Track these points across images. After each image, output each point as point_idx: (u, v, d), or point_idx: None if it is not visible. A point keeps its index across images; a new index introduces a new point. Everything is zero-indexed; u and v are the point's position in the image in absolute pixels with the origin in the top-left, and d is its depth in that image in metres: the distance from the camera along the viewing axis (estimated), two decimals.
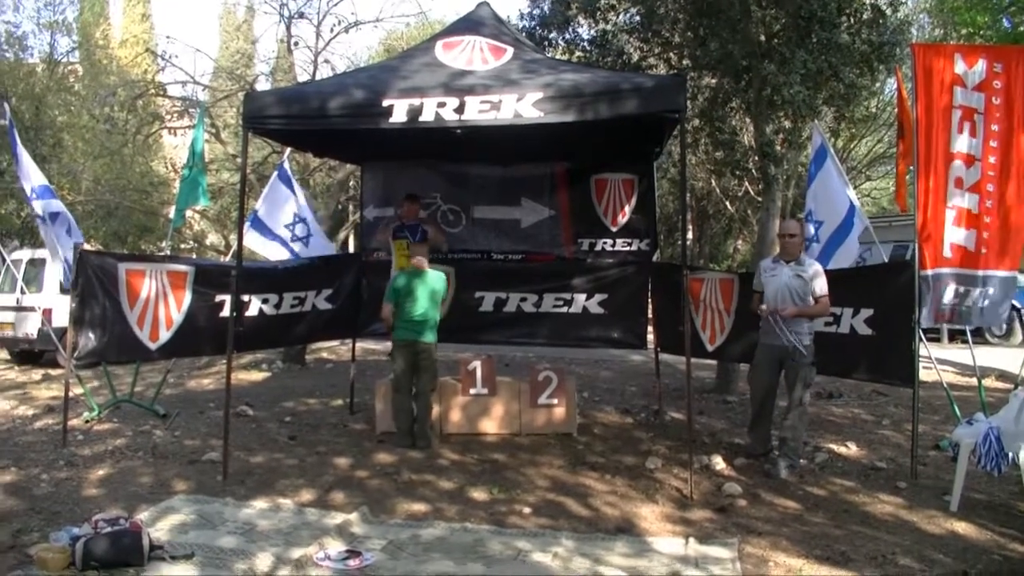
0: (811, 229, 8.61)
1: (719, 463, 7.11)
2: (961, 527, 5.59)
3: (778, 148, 10.44)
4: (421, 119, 6.18)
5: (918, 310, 6.58)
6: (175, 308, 7.91)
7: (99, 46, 24.55)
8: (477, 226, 9.75)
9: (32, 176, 9.23)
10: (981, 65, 6.77)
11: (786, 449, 6.90)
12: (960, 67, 6.75)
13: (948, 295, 6.82)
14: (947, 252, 6.80)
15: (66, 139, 18.53)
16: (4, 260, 13.43)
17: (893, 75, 13.22)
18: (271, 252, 10.31)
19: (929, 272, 6.73)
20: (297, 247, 10.49)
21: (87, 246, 10.47)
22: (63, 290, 12.41)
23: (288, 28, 15.72)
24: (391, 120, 6.22)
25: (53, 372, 12.64)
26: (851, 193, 8.44)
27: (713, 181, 20.34)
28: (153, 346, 7.91)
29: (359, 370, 10.11)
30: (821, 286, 6.75)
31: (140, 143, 17.28)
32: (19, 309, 13.34)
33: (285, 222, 10.47)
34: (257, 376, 12.77)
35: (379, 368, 11.00)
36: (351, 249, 19.11)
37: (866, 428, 8.83)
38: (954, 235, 6.80)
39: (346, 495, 6.28)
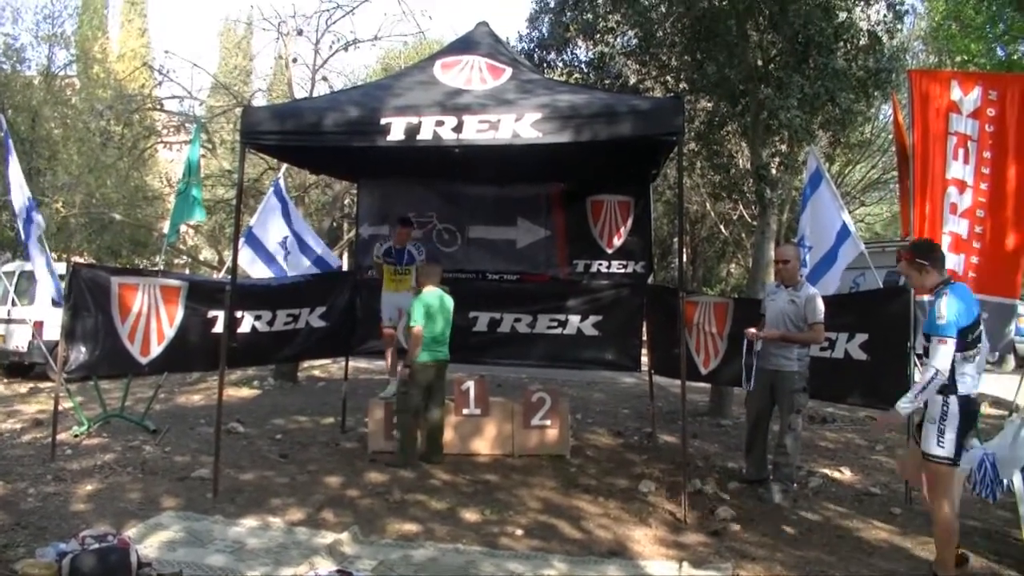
0: (802, 253, 8.62)
1: (712, 487, 7.09)
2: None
3: (774, 172, 10.48)
4: (419, 138, 6.18)
5: (913, 335, 6.58)
6: (167, 323, 7.89)
7: (97, 60, 24.60)
8: (472, 246, 9.75)
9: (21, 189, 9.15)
10: (976, 92, 6.83)
11: (779, 474, 6.89)
12: (956, 94, 6.81)
13: None
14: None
15: (62, 152, 18.53)
16: None
17: (889, 101, 13.31)
18: (257, 270, 10.27)
19: (926, 298, 6.73)
20: (286, 264, 10.47)
21: (77, 259, 10.43)
22: (55, 303, 12.38)
23: (286, 45, 15.77)
24: (389, 138, 6.22)
25: (41, 385, 12.56)
26: (847, 217, 8.43)
27: (708, 204, 20.40)
28: (144, 361, 7.89)
29: (351, 388, 10.07)
30: (813, 312, 6.73)
31: (136, 157, 17.27)
32: (9, 321, 13.27)
33: (277, 239, 10.46)
34: (248, 393, 12.71)
35: (371, 387, 10.96)
36: (345, 267, 19.10)
37: (860, 453, 8.83)
38: (950, 261, 6.81)
39: (337, 514, 6.23)
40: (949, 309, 4.77)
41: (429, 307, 7.80)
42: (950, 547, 5.01)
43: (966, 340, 4.82)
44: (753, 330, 6.94)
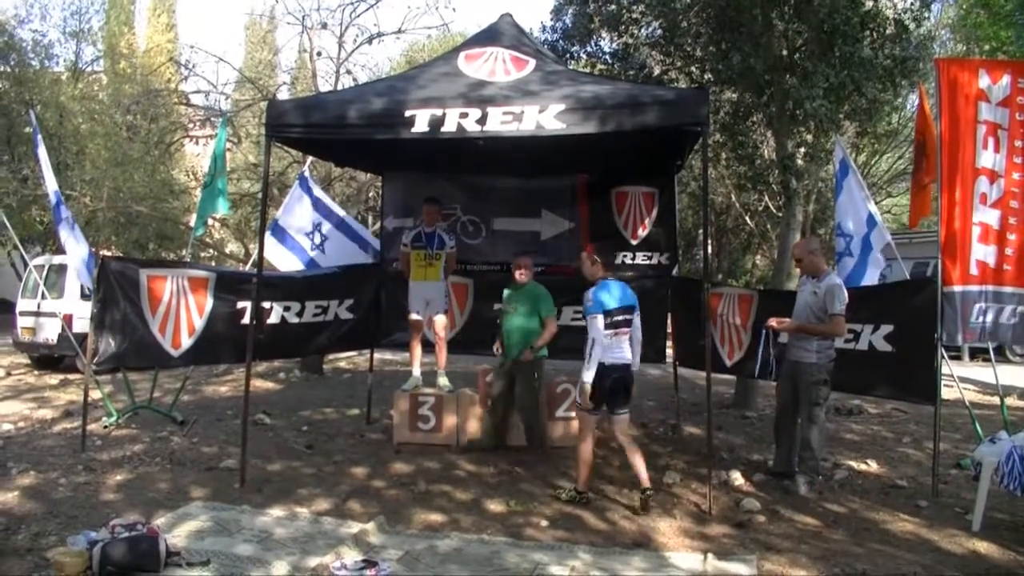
0: (842, 243, 8.55)
1: (738, 479, 7.07)
2: (983, 547, 5.53)
3: (799, 162, 10.41)
4: (443, 130, 6.19)
5: (940, 327, 6.52)
6: (197, 314, 7.95)
7: (123, 55, 24.78)
8: (496, 238, 9.75)
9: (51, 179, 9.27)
10: (1006, 80, 6.73)
11: (804, 466, 6.85)
12: (984, 82, 6.72)
13: (976, 313, 6.76)
14: (973, 269, 6.76)
15: (89, 147, 18.68)
16: (26, 265, 13.52)
17: (915, 90, 13.17)
18: (283, 261, 10.30)
19: (956, 289, 6.68)
20: (315, 254, 10.49)
21: (105, 253, 10.52)
22: (84, 295, 12.52)
23: (310, 38, 15.84)
24: (413, 130, 6.23)
25: (71, 377, 12.71)
26: (873, 208, 8.37)
27: (733, 195, 20.29)
28: (175, 353, 7.95)
29: (376, 380, 10.11)
30: (832, 304, 6.60)
31: (162, 151, 17.40)
32: (40, 314, 13.43)
33: (304, 229, 10.48)
34: (274, 385, 12.80)
35: (396, 379, 10.99)
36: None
37: (886, 446, 8.76)
38: (979, 252, 6.76)
39: (363, 505, 6.28)
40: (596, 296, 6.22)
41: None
42: None
43: (615, 319, 6.23)
44: (774, 322, 6.90)
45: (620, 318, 6.33)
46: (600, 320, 6.15)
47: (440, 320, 8.64)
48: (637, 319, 6.54)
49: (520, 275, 7.88)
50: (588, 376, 6.15)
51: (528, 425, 8.07)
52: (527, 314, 7.87)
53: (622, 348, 6.36)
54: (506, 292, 8.11)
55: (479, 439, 8.19)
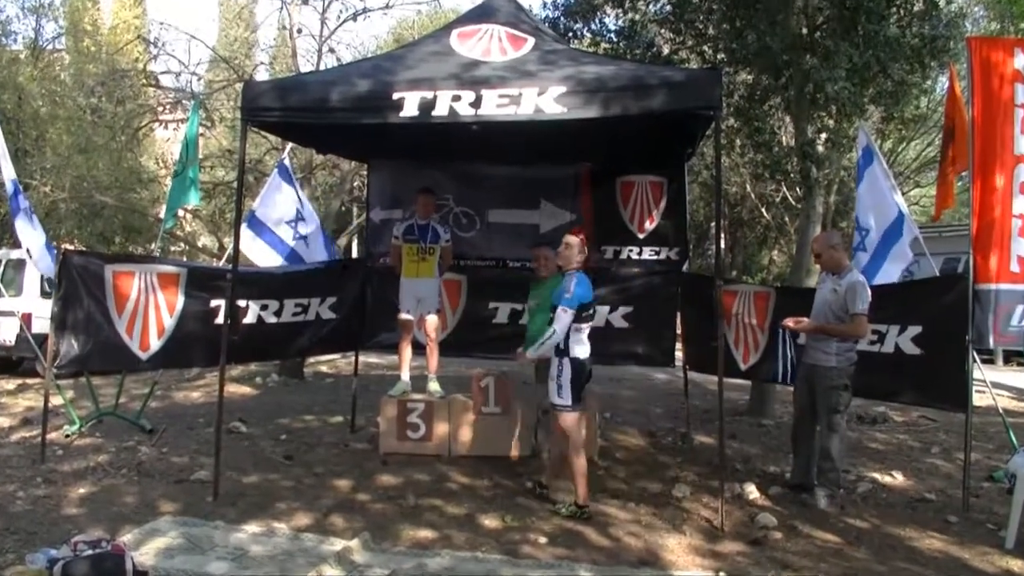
0: (857, 237, 8.56)
1: (752, 492, 7.08)
2: (1017, 565, 5.54)
3: (820, 149, 10.41)
4: (434, 114, 6.18)
5: (971, 328, 6.51)
6: (167, 313, 7.94)
7: (87, 32, 24.71)
8: (492, 231, 9.76)
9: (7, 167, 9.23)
10: None
11: (824, 478, 6.85)
12: (1021, 62, 6.68)
13: (1018, 315, 6.62)
14: (1014, 266, 6.62)
15: (50, 132, 18.64)
16: None
17: (945, 72, 13.17)
18: (260, 255, 10.29)
19: (990, 287, 6.62)
20: (297, 246, 10.48)
21: (67, 246, 10.50)
22: (44, 293, 12.50)
23: (290, 14, 15.82)
24: (401, 114, 6.22)
25: (30, 381, 12.70)
26: (899, 199, 8.37)
27: (748, 185, 20.32)
28: (143, 355, 7.94)
29: (361, 385, 10.11)
30: (854, 303, 6.58)
31: (129, 137, 17.36)
32: None
33: (286, 219, 10.47)
34: (251, 390, 12.80)
35: (382, 384, 10.99)
36: (355, 254, 19.16)
37: (913, 456, 8.78)
38: (1021, 247, 6.63)
39: (346, 520, 6.27)
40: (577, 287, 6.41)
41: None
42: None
43: (581, 314, 6.41)
44: (791, 321, 6.91)
45: (591, 311, 6.62)
46: (571, 316, 6.36)
47: (432, 320, 8.63)
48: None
49: (538, 267, 7.83)
50: (533, 353, 6.61)
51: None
52: (548, 311, 7.84)
53: (587, 341, 6.59)
54: (530, 287, 8.11)
55: (536, 444, 8.25)
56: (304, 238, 10.44)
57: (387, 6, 16.75)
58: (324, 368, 15.59)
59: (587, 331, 6.56)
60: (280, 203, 10.46)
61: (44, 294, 12.60)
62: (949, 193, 7.95)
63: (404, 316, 8.60)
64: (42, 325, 10.71)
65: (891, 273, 8.21)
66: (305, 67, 15.63)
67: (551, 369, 6.58)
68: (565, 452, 6.65)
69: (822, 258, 6.97)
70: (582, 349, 6.51)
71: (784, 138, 13.65)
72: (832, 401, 6.74)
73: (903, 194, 13.09)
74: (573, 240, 6.71)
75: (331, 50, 16.24)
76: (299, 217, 10.47)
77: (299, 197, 10.64)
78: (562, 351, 6.47)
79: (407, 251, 8.60)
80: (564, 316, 6.35)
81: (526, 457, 8.22)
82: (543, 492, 6.81)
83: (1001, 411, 8.24)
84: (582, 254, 6.66)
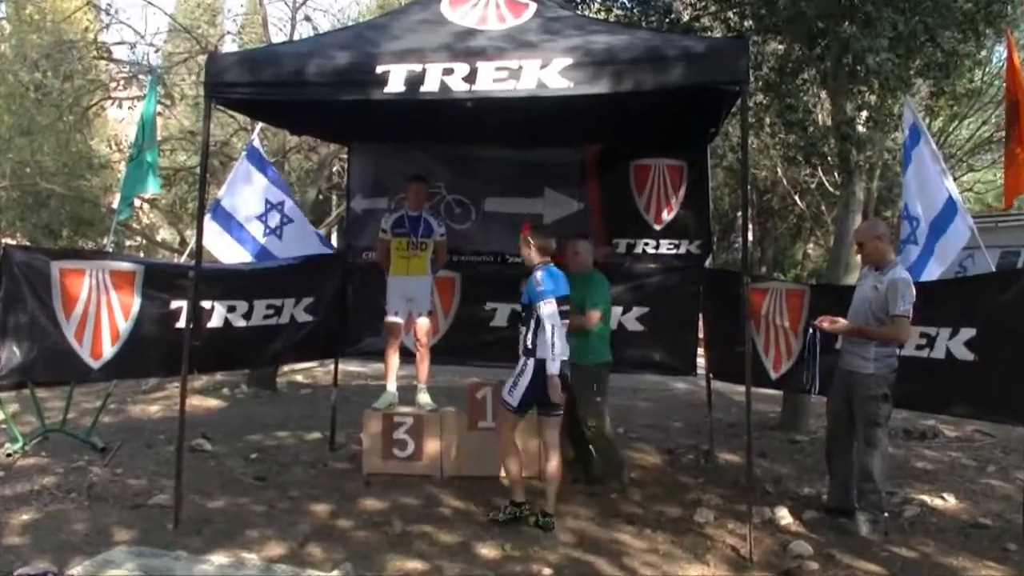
0: (907, 228, 8.54)
1: (784, 517, 7.09)
2: None
3: (861, 129, 10.41)
4: (423, 89, 6.19)
5: None
6: (121, 316, 7.94)
7: None
8: (489, 222, 9.76)
9: None
10: None
11: (865, 501, 6.84)
12: None
13: None
14: None
15: None
16: None
17: (1003, 40, 13.17)
18: (227, 251, 10.29)
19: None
20: (269, 242, 10.48)
21: (8, 241, 10.50)
22: None
23: None
24: (386, 90, 6.23)
25: None
26: (950, 185, 8.36)
27: (779, 170, 20.30)
28: (95, 364, 7.94)
29: (341, 397, 10.12)
30: (896, 303, 6.56)
31: (78, 116, 17.35)
32: None
33: (256, 212, 10.47)
34: (217, 403, 12.80)
35: (366, 395, 11.00)
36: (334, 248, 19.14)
37: (967, 476, 8.78)
38: None
39: (325, 549, 6.28)
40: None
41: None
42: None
43: (561, 309, 6.74)
44: (825, 322, 6.89)
45: (564, 308, 6.89)
46: (554, 304, 6.66)
47: (423, 324, 8.64)
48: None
49: (569, 261, 7.94)
50: (556, 367, 6.66)
51: (592, 452, 8.11)
52: (581, 309, 7.87)
53: (562, 341, 6.78)
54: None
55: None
56: (276, 231, 10.44)
57: None
58: (300, 378, 15.60)
59: (562, 332, 6.76)
60: (248, 194, 10.46)
61: None
62: (1022, 176, 7.92)
63: (392, 319, 8.60)
64: None
65: (935, 271, 8.20)
66: (277, 37, 15.66)
67: (517, 366, 6.97)
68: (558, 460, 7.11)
69: (865, 249, 6.95)
70: (555, 366, 6.69)
71: (820, 116, 13.64)
72: (870, 412, 6.73)
73: (955, 179, 13.08)
74: (528, 239, 7.06)
75: (307, 18, 16.34)
76: (269, 207, 10.47)
77: (272, 183, 10.64)
78: (529, 350, 6.85)
79: (396, 246, 8.61)
80: (547, 307, 6.63)
81: (530, 478, 8.23)
82: (547, 521, 6.88)
83: None
84: (541, 252, 7.00)
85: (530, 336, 6.84)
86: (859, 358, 6.78)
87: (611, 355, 8.08)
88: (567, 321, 6.94)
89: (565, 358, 6.76)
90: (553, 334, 6.59)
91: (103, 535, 6.47)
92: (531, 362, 6.82)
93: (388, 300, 8.62)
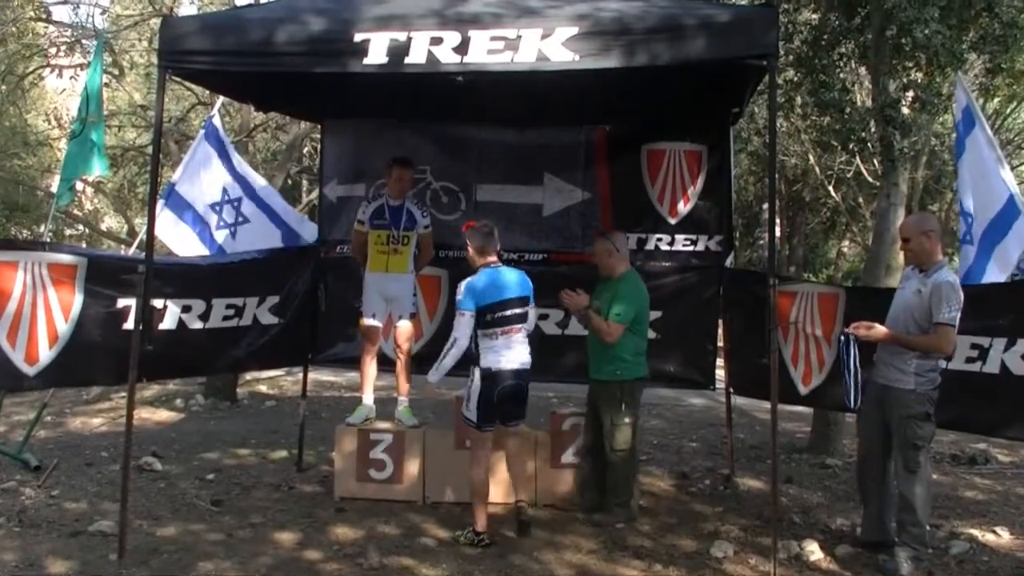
0: (962, 225, 8.53)
1: (814, 552, 7.08)
2: None
3: (905, 111, 10.42)
4: (408, 61, 6.19)
5: None
6: (60, 317, 7.91)
7: None
8: (481, 212, 9.70)
9: None
10: None
11: (906, 535, 6.81)
12: None
13: None
14: None
15: None
16: None
17: None
18: (183, 243, 10.28)
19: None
20: (221, 237, 10.47)
21: None
22: None
23: None
24: (366, 61, 6.23)
25: None
26: (1008, 177, 8.37)
27: (812, 157, 20.32)
28: (31, 370, 7.89)
29: (311, 410, 10.14)
30: (940, 309, 6.45)
31: (11, 87, 17.33)
32: None
33: (211, 200, 10.47)
34: (169, 415, 12.81)
35: (338, 409, 11.01)
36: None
37: (1023, 508, 8.79)
38: None
39: None
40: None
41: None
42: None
43: (485, 318, 7.16)
44: (862, 328, 6.82)
45: (511, 313, 7.26)
46: (468, 318, 7.13)
47: (405, 328, 8.65)
48: (532, 313, 7.59)
49: (599, 262, 8.10)
50: (435, 377, 7.28)
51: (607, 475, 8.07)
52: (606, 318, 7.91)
53: (512, 348, 7.26)
54: (594, 289, 8.18)
55: (568, 497, 8.28)
56: (233, 227, 10.44)
57: None
58: (264, 388, 15.61)
59: (512, 336, 7.27)
60: (205, 179, 10.46)
61: None
62: None
63: (369, 322, 8.60)
64: None
65: (996, 273, 8.20)
66: (242, 0, 15.62)
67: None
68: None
69: (910, 244, 6.83)
70: (495, 358, 7.19)
71: (859, 96, 13.66)
72: (910, 434, 6.65)
73: (1012, 169, 13.10)
74: (465, 240, 7.51)
75: None
76: (227, 200, 10.46)
77: (231, 171, 10.62)
78: (473, 359, 7.25)
79: (374, 239, 8.60)
80: (460, 319, 7.14)
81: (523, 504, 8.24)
82: (524, 518, 7.45)
83: None
84: (480, 253, 7.41)
85: (473, 344, 7.19)
86: (896, 371, 6.71)
87: (646, 370, 8.09)
88: (522, 326, 7.37)
89: (517, 365, 7.25)
90: (452, 347, 7.11)
91: (35, 566, 6.46)
92: (476, 371, 7.25)
93: (364, 300, 8.62)
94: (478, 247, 7.38)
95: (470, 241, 7.42)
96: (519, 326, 7.31)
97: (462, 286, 7.20)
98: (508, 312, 7.22)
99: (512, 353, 7.22)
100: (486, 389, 7.17)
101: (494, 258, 7.40)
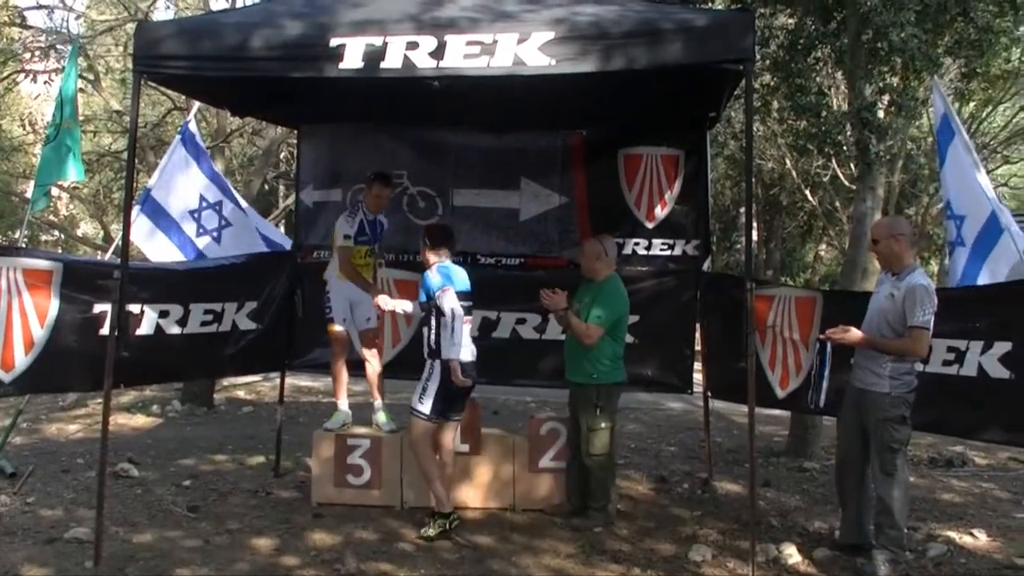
0: (952, 228, 8.56)
1: (792, 555, 7.10)
2: None
3: (882, 115, 10.46)
4: (384, 66, 6.19)
5: None
6: (36, 322, 7.86)
7: None
8: (458, 217, 9.73)
9: None
10: None
11: (884, 538, 6.84)
12: None
13: None
14: None
15: None
16: None
17: None
18: (159, 250, 10.25)
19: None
20: (203, 243, 10.45)
21: None
22: None
23: None
24: (342, 66, 6.23)
25: None
26: (984, 181, 8.40)
27: (788, 161, 20.40)
28: (7, 377, 7.85)
29: (288, 416, 10.12)
30: (914, 312, 6.49)
31: None
32: None
33: (189, 207, 10.44)
34: (145, 421, 12.76)
35: (315, 414, 10.99)
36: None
37: (1000, 510, 8.83)
38: None
39: None
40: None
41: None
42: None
43: (463, 305, 7.30)
44: (838, 332, 6.84)
45: (466, 304, 7.50)
46: (452, 292, 7.24)
47: (373, 331, 8.75)
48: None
49: (585, 264, 8.15)
50: (456, 352, 7.23)
51: (587, 479, 8.07)
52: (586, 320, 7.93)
53: (466, 337, 7.46)
54: (576, 290, 8.21)
55: (557, 504, 8.25)
56: (216, 232, 10.41)
57: None
58: (241, 393, 15.56)
59: (466, 330, 7.43)
60: (182, 184, 10.44)
61: None
62: None
63: (337, 328, 8.62)
64: None
65: (995, 273, 8.19)
66: (217, 4, 15.60)
67: (424, 371, 7.50)
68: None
69: (879, 247, 6.88)
70: (457, 351, 7.24)
71: (835, 100, 13.71)
72: (886, 437, 6.69)
73: (988, 172, 13.14)
74: (423, 239, 7.72)
75: None
76: (205, 206, 10.44)
77: (210, 175, 10.61)
78: (433, 351, 7.39)
79: (356, 254, 8.67)
80: (445, 294, 7.21)
81: (502, 509, 8.24)
82: (445, 525, 7.45)
83: None
84: (436, 253, 7.58)
85: (432, 336, 7.34)
86: (872, 374, 6.75)
87: (624, 375, 8.10)
88: (470, 317, 7.60)
89: (472, 358, 7.45)
90: (454, 320, 7.13)
91: (11, 574, 6.42)
92: (437, 364, 7.37)
93: (332, 306, 8.64)
94: (439, 246, 7.58)
95: (431, 239, 7.60)
96: (469, 317, 7.54)
97: (433, 272, 7.37)
98: (465, 303, 7.41)
99: (468, 344, 7.42)
100: (447, 381, 7.29)
101: (445, 258, 7.57)
